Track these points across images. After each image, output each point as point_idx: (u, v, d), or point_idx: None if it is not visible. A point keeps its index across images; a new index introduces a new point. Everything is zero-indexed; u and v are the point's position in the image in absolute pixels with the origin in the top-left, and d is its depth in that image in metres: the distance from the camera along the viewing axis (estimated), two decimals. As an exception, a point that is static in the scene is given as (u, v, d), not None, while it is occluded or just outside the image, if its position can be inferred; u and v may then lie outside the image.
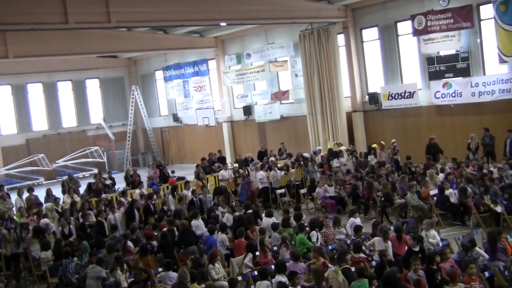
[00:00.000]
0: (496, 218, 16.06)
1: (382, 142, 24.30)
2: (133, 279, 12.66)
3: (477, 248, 11.75)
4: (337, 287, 10.87)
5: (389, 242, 12.92)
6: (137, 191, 21.43)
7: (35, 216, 18.70)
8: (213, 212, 17.74)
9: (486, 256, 11.67)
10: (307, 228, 14.63)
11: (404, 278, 10.67)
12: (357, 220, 15.15)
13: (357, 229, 14.17)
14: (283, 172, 22.49)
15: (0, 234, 16.40)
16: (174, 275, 12.27)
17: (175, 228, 15.69)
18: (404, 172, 19.92)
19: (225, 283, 11.98)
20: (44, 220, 17.78)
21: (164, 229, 15.63)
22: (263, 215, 16.60)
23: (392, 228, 14.32)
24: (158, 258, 14.56)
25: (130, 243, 15.23)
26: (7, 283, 16.01)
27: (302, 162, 23.49)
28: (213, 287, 11.35)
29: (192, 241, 15.30)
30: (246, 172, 23.32)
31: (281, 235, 14.17)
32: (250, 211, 17.65)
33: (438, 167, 19.93)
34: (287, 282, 10.83)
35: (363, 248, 13.03)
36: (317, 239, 14.24)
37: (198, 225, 16.27)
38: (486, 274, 10.88)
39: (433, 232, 13.36)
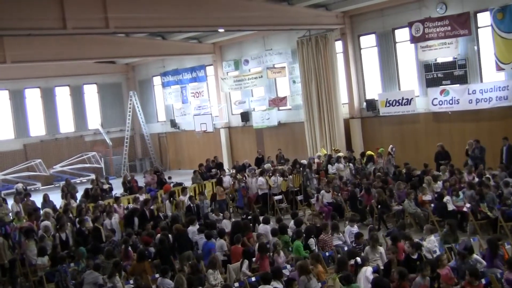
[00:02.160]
0: (493, 225, 16.07)
1: (382, 148, 24.27)
2: (131, 285, 12.60)
3: (474, 255, 11.73)
4: None
5: (381, 249, 12.91)
6: (138, 195, 21.40)
7: (34, 221, 18.63)
8: (208, 218, 17.69)
9: (484, 262, 11.65)
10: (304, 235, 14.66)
11: (395, 286, 10.63)
12: (354, 229, 15.12)
13: (357, 236, 14.15)
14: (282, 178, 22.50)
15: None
16: (169, 282, 12.22)
17: (169, 235, 15.61)
18: (401, 179, 19.92)
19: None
20: (45, 223, 17.75)
21: (158, 235, 15.58)
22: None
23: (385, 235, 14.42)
24: (155, 264, 14.52)
25: (130, 249, 15.21)
26: (2, 288, 15.99)
27: (300, 169, 23.46)
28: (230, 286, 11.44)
29: (187, 246, 15.27)
30: (244, 177, 23.26)
31: (273, 242, 14.16)
32: (249, 217, 17.67)
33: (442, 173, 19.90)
34: None
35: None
36: (315, 246, 14.26)
37: (195, 231, 16.23)
38: (483, 281, 10.86)
39: (432, 238, 13.34)
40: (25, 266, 15.93)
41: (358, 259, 11.98)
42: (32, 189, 32.57)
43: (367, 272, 11.30)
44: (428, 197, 17.73)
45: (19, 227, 17.40)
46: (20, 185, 27.08)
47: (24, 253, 16.06)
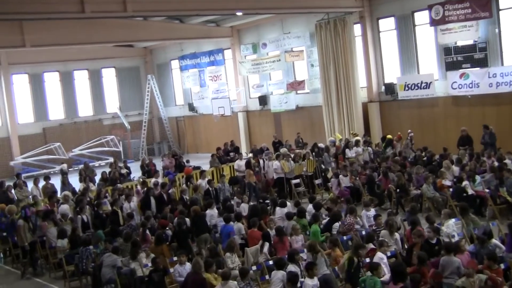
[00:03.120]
0: (512, 209, 15.97)
1: (399, 133, 24.17)
2: (150, 267, 12.69)
3: (493, 240, 11.66)
4: (340, 268, 11.48)
5: (397, 235, 12.86)
6: (153, 180, 21.48)
7: (55, 204, 18.78)
8: (229, 201, 17.70)
9: (503, 247, 11.58)
10: (324, 221, 14.69)
11: (414, 270, 10.63)
12: (370, 213, 15.08)
13: (375, 217, 14.16)
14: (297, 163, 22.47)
15: (16, 225, 16.50)
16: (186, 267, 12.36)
17: (187, 219, 15.65)
18: (420, 163, 19.79)
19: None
20: (62, 207, 17.89)
21: (177, 218, 15.62)
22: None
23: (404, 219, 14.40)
24: (173, 247, 14.63)
25: (148, 232, 15.30)
26: (24, 270, 16.18)
27: (315, 153, 23.41)
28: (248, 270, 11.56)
29: (205, 229, 15.28)
30: (259, 162, 23.22)
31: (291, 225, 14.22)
32: (267, 201, 17.69)
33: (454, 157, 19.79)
34: (299, 272, 10.98)
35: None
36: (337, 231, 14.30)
37: (213, 215, 16.26)
38: (502, 266, 10.80)
39: (450, 222, 13.27)
40: (45, 248, 16.09)
41: (371, 245, 11.98)
42: (51, 172, 32.87)
43: (376, 258, 11.29)
44: (447, 182, 17.62)
45: (36, 211, 17.55)
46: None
47: (45, 235, 16.23)
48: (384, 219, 14.00)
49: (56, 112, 38.34)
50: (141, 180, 22.34)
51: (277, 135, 29.89)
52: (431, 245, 11.83)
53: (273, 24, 32.20)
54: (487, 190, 16.69)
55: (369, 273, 10.59)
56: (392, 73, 27.43)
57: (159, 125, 41.88)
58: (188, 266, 12.31)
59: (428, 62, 26.05)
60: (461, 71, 24.14)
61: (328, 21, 28.34)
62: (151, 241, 14.71)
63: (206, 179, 20.83)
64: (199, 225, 15.31)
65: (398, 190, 18.17)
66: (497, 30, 23.20)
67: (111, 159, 31.17)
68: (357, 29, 28.05)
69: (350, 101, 27.95)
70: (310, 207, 15.86)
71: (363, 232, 14.03)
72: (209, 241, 14.80)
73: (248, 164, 22.84)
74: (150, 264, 12.92)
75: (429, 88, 25.32)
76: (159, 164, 26.89)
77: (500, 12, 23.13)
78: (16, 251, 16.83)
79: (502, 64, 23.30)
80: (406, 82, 26.20)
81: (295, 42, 31.15)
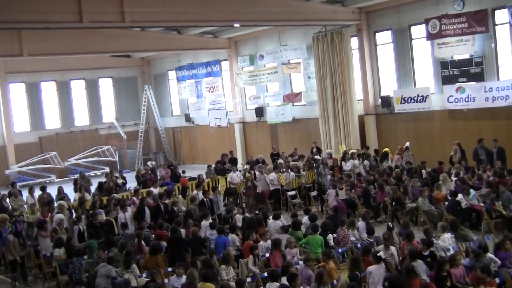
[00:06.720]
0: (507, 223, 15.96)
1: (400, 146, 24.18)
2: (145, 277, 12.64)
3: (488, 254, 11.66)
4: (340, 285, 11.27)
5: (392, 249, 12.82)
6: (152, 189, 21.39)
7: (49, 214, 18.68)
8: (230, 212, 17.52)
9: (498, 261, 11.58)
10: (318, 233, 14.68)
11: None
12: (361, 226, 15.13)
13: (370, 231, 14.20)
14: (295, 174, 22.47)
15: (4, 239, 16.39)
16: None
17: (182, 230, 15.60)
18: (415, 176, 19.78)
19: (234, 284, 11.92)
20: (58, 216, 17.79)
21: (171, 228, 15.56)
22: (270, 217, 16.56)
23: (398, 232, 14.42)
24: (168, 257, 14.57)
25: (143, 243, 15.24)
26: (13, 284, 15.97)
27: (314, 165, 23.44)
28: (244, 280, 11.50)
29: (201, 251, 14.84)
30: (253, 174, 23.18)
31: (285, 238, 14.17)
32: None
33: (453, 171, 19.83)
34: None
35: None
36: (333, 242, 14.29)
37: (207, 226, 16.23)
38: (497, 280, 10.80)
39: (446, 236, 13.27)
40: (39, 258, 15.98)
41: (382, 253, 11.90)
42: (47, 181, 32.81)
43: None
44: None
45: (28, 222, 17.45)
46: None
47: (39, 245, 16.12)
48: (379, 232, 14.01)
49: (52, 121, 38.28)
50: (132, 190, 22.20)
51: (275, 147, 29.88)
52: (423, 258, 11.82)
53: (271, 36, 32.29)
54: (482, 204, 16.70)
55: None
56: (389, 86, 27.49)
57: (156, 135, 41.86)
58: (184, 278, 12.25)
59: (425, 76, 26.14)
60: (457, 85, 24.21)
61: (325, 33, 28.44)
62: (146, 252, 14.65)
63: (201, 190, 20.77)
64: (195, 246, 14.99)
65: (393, 203, 18.17)
66: (493, 45, 23.30)
67: (107, 169, 31.13)
68: (354, 42, 28.15)
69: (346, 113, 28.00)
70: (305, 219, 15.86)
71: (358, 245, 14.03)
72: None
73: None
74: (144, 275, 12.88)
75: (425, 101, 25.38)
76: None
77: (497, 27, 23.24)
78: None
79: (498, 79, 23.38)
80: (402, 96, 26.26)
81: (292, 54, 31.22)
